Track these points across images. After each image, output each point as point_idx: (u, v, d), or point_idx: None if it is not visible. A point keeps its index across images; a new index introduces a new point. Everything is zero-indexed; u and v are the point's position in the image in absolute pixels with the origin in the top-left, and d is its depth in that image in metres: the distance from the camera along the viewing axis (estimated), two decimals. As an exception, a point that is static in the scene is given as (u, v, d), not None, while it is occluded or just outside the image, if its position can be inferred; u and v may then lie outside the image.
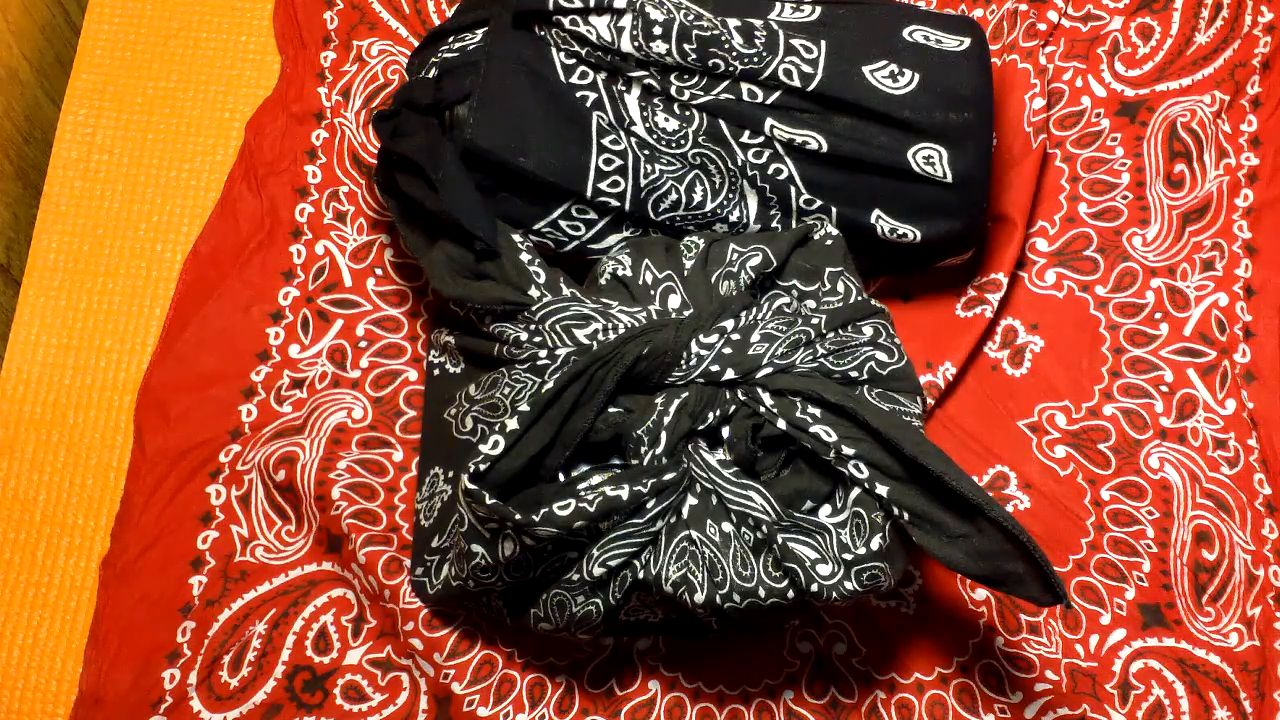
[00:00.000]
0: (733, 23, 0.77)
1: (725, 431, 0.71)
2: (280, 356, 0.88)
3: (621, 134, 0.79)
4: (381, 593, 0.80)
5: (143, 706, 0.80)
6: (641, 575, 0.70)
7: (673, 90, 0.78)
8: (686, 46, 0.76)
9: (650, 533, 0.69)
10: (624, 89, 0.79)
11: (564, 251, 0.81)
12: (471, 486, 0.66)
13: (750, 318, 0.72)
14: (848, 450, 0.68)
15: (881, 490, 0.67)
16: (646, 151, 0.79)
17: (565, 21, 0.78)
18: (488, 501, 0.65)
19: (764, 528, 0.68)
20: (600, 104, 0.79)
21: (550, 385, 0.68)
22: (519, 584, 0.72)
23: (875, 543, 0.68)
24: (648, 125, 0.79)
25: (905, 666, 0.81)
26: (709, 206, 0.80)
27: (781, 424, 0.70)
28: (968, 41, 0.79)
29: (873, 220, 0.80)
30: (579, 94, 0.79)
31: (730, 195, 0.80)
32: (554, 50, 0.79)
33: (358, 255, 0.90)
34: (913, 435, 0.67)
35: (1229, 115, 0.92)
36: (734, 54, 0.76)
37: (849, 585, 0.68)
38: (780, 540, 0.68)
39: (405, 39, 0.95)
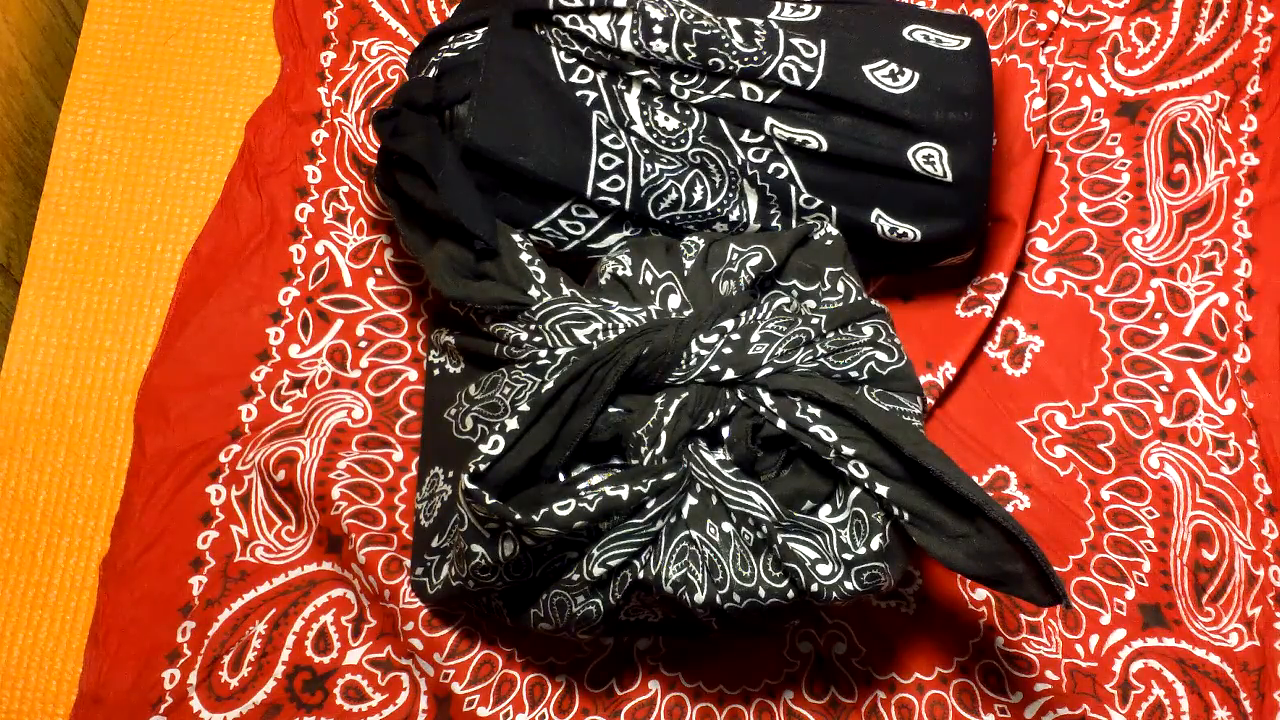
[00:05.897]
0: (733, 22, 0.77)
1: (725, 431, 0.71)
2: (280, 356, 0.88)
3: (621, 133, 0.79)
4: (381, 593, 0.80)
5: (143, 706, 0.80)
6: (641, 575, 0.70)
7: (673, 89, 0.78)
8: (686, 45, 0.76)
9: (650, 533, 0.69)
10: (624, 88, 0.79)
11: (564, 251, 0.81)
12: (471, 486, 0.66)
13: (750, 318, 0.72)
14: (848, 450, 0.68)
15: (881, 490, 0.67)
16: (646, 151, 0.79)
17: (565, 21, 0.78)
18: (488, 501, 0.65)
19: (764, 528, 0.68)
20: (600, 103, 0.79)
21: (550, 385, 0.68)
22: (519, 584, 0.72)
23: (875, 543, 0.68)
24: (648, 124, 0.79)
25: (905, 666, 0.81)
26: (709, 206, 0.80)
27: (781, 424, 0.70)
28: (968, 41, 0.79)
29: (873, 220, 0.80)
30: (579, 93, 0.79)
31: (730, 194, 0.80)
32: (554, 49, 0.79)
33: (358, 255, 0.90)
34: (913, 435, 0.67)
35: (1229, 115, 0.92)
36: (734, 53, 0.76)
37: (849, 585, 0.68)
38: (780, 540, 0.68)
39: (405, 39, 0.95)
